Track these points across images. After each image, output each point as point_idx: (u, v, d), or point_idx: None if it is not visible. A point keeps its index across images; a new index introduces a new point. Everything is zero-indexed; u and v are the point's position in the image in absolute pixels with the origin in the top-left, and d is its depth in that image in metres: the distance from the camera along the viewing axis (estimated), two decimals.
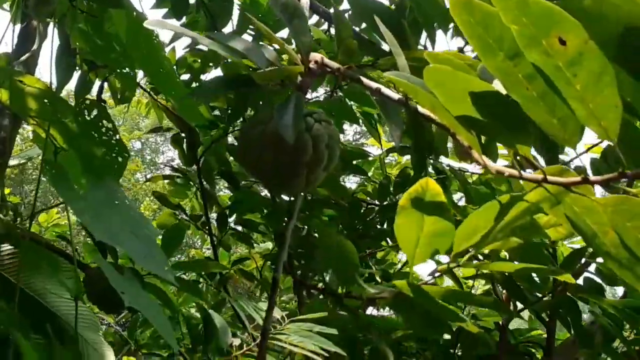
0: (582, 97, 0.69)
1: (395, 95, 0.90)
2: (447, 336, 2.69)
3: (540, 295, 2.55)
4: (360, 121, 3.02)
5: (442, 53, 0.79)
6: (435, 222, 0.84)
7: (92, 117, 1.79)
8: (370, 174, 3.50)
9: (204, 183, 2.81)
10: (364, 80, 0.94)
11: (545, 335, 2.96)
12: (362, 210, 3.25)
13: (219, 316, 2.21)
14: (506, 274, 2.07)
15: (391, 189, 3.25)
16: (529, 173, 0.80)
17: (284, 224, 2.92)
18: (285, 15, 1.04)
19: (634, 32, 0.62)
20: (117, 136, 1.79)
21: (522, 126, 0.76)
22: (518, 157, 0.80)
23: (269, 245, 3.45)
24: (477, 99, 0.75)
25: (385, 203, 3.22)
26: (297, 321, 2.35)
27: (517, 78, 0.73)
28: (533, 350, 3.06)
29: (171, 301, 2.07)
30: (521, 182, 0.83)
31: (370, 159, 3.44)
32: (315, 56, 1.01)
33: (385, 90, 0.92)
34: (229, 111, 2.66)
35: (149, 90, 2.88)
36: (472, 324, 1.45)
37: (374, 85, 0.93)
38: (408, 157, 3.38)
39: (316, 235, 3.10)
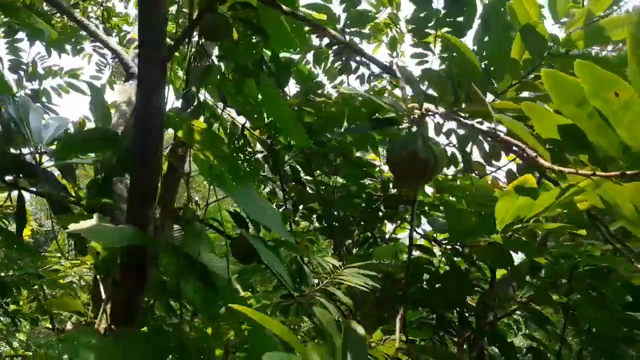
0: (628, 127, 0.76)
1: (485, 127, 0.98)
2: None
3: None
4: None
5: (531, 103, 0.85)
6: (525, 200, 0.91)
7: (239, 144, 1.86)
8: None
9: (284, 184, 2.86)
10: (461, 119, 1.01)
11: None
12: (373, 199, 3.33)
13: (306, 266, 2.27)
14: None
15: (390, 185, 3.32)
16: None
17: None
18: (409, 82, 1.11)
19: None
20: (255, 157, 1.86)
21: (584, 144, 0.83)
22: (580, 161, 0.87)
23: (317, 224, 3.49)
24: (561, 128, 0.83)
25: (386, 195, 3.30)
26: (348, 267, 2.43)
27: (582, 116, 0.80)
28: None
29: (281, 255, 2.12)
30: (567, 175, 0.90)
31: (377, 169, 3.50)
32: (426, 105, 1.09)
33: (477, 125, 1.00)
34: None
35: (250, 129, 2.92)
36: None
37: (469, 122, 1.00)
38: None
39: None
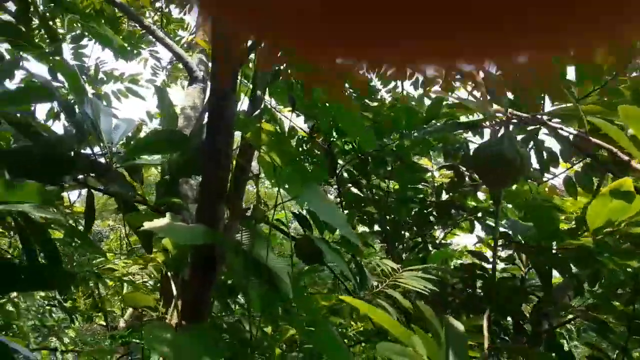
0: None
1: (574, 131, 0.99)
2: None
3: None
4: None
5: (629, 107, 0.86)
6: (619, 203, 0.92)
7: (307, 147, 1.90)
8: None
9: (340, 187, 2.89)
10: (547, 122, 1.03)
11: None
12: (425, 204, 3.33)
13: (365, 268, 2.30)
14: None
15: (443, 191, 3.32)
16: None
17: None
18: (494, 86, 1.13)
19: None
20: (321, 159, 1.90)
21: None
22: None
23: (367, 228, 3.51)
24: None
25: (439, 200, 3.30)
26: (406, 271, 2.45)
27: None
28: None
29: (343, 256, 2.15)
30: None
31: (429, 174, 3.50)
32: (511, 110, 1.11)
33: (565, 128, 1.01)
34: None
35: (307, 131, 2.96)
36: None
37: (555, 125, 1.02)
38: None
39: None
